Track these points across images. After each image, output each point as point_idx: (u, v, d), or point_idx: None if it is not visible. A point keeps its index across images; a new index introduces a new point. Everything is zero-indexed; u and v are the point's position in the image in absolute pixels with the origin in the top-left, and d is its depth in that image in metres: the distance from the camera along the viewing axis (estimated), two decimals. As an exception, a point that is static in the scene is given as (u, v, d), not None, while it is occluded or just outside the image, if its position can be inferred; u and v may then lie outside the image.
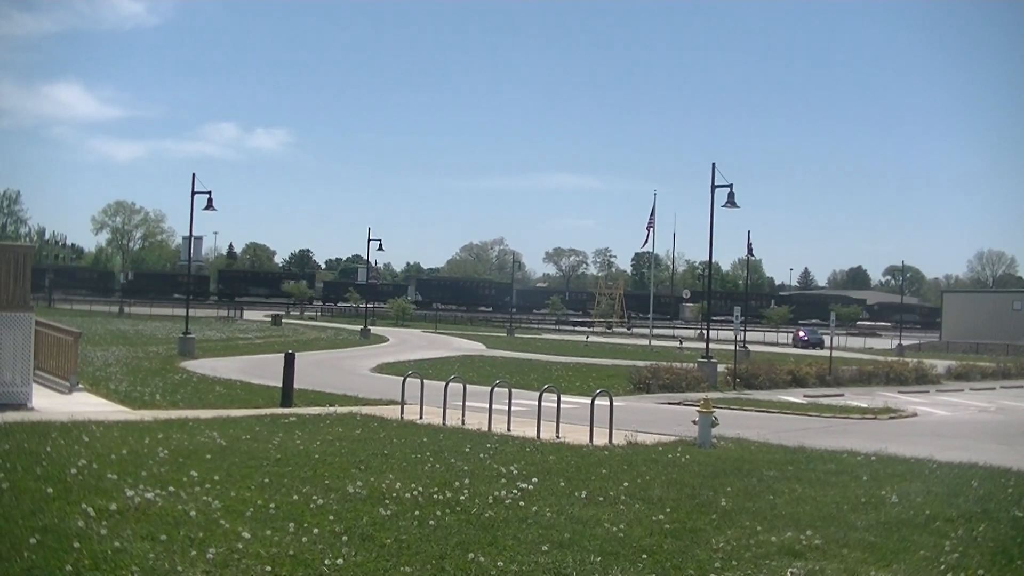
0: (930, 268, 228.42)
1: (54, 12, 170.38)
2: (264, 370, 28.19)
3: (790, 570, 7.53)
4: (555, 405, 16.54)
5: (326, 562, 7.04)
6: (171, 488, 9.15)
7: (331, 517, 8.44)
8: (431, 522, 8.47)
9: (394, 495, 9.56)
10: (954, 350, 67.72)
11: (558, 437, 15.57)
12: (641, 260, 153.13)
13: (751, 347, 52.12)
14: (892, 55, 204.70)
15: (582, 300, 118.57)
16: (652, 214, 58.38)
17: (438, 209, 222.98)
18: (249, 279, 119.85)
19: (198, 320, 58.46)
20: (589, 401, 16.39)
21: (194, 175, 36.04)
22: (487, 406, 16.96)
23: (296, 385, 20.05)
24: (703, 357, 31.87)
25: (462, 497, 9.65)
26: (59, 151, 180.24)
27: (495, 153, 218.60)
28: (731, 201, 31.01)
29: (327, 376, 28.26)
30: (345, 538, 7.73)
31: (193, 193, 36.16)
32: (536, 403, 16.60)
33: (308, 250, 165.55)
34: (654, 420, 19.88)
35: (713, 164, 31.05)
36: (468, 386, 18.95)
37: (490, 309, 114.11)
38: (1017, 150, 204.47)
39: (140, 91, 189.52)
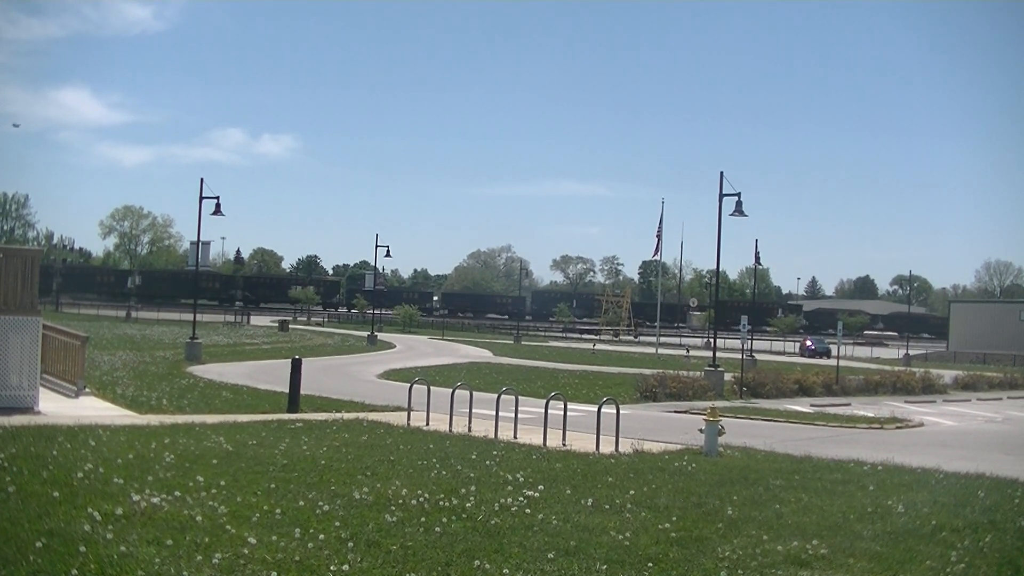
0: (938, 278, 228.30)
1: (61, 17, 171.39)
2: (271, 375, 28.23)
3: (796, 580, 7.52)
4: (562, 413, 16.53)
5: (332, 568, 7.04)
6: (177, 493, 9.16)
7: (337, 523, 8.45)
8: (437, 529, 8.47)
9: (400, 501, 9.56)
10: (961, 360, 67.47)
11: (564, 445, 15.56)
12: (648, 268, 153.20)
13: (758, 356, 52.11)
14: (900, 63, 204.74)
15: (589, 308, 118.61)
16: (660, 223, 58.44)
17: (445, 216, 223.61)
18: (273, 284, 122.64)
19: (205, 325, 58.52)
20: (596, 409, 16.38)
21: (202, 180, 35.95)
22: (494, 413, 16.97)
23: (303, 391, 20.07)
24: (710, 366, 31.82)
25: (468, 504, 9.65)
26: (67, 155, 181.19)
27: (502, 160, 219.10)
28: (739, 210, 31.02)
29: (334, 382, 28.27)
30: (351, 544, 7.74)
31: (201, 198, 36.01)
32: (543, 411, 16.60)
33: (315, 256, 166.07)
34: (660, 428, 19.85)
35: (721, 173, 31.23)
36: (475, 393, 18.98)
37: (505, 317, 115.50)
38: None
39: (147, 96, 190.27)
